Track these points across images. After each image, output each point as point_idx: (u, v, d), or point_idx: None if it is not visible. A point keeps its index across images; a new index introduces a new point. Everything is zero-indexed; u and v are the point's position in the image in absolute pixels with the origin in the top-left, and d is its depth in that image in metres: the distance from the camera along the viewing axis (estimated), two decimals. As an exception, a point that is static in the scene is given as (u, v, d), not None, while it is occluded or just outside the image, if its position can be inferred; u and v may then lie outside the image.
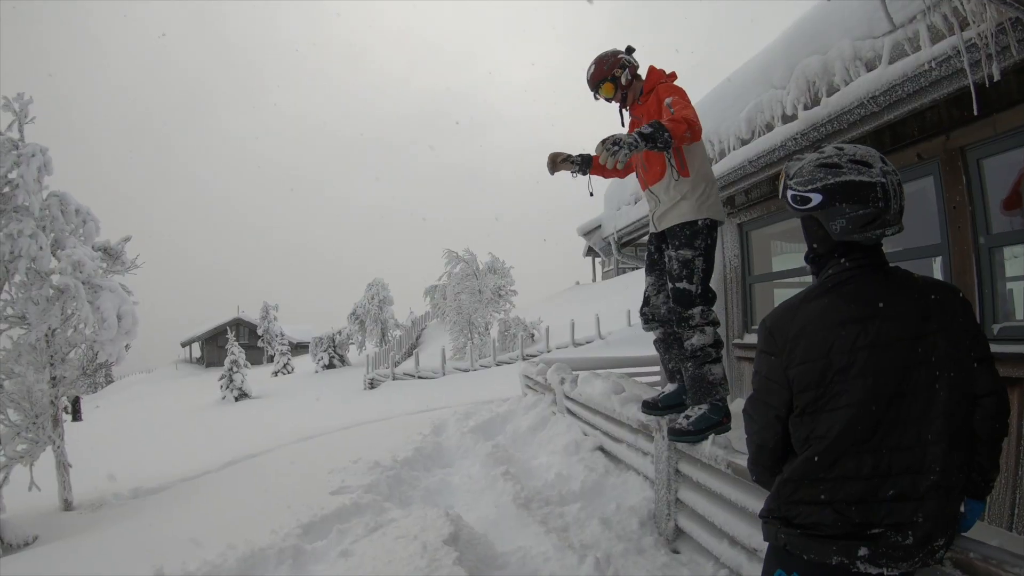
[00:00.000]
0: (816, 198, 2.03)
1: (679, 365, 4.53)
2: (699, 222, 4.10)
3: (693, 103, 4.06)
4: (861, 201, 1.98)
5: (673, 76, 4.36)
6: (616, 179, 8.68)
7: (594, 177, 4.76)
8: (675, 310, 4.19)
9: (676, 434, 4.13)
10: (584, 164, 4.68)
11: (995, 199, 4.16)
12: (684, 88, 4.22)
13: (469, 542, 4.35)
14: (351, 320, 44.73)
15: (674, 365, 4.62)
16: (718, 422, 3.99)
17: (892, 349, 1.92)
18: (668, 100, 4.01)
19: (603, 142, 3.58)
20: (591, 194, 4.87)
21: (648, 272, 4.63)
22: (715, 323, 4.14)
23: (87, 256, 13.54)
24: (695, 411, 4.07)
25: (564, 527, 4.54)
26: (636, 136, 3.61)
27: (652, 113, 4.23)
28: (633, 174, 4.71)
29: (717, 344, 4.12)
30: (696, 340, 4.10)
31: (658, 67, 4.43)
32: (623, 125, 4.68)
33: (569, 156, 4.72)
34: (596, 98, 4.60)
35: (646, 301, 4.63)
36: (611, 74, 4.45)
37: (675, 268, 4.15)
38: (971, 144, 4.19)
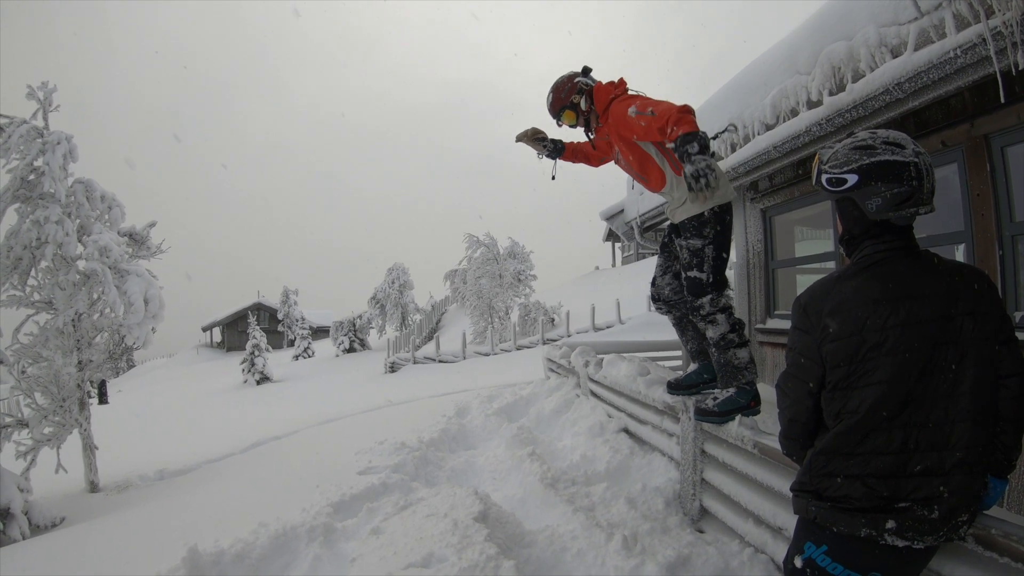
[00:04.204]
0: (852, 178, 2.10)
1: (697, 346, 4.57)
2: (706, 213, 4.03)
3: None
4: (896, 180, 2.05)
5: (622, 85, 4.34)
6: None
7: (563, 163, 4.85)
8: (687, 300, 4.20)
9: (702, 415, 4.15)
10: (555, 151, 4.71)
11: (1020, 186, 4.17)
12: (642, 90, 4.23)
13: (498, 520, 4.41)
14: (371, 304, 44.79)
15: (692, 346, 4.64)
16: (745, 405, 4.00)
17: (922, 328, 1.98)
18: (632, 109, 4.00)
19: (694, 180, 3.48)
20: (553, 178, 4.88)
21: (659, 253, 4.63)
22: (725, 309, 4.09)
23: (113, 241, 13.67)
24: (723, 394, 4.09)
25: (591, 507, 4.58)
26: (699, 156, 3.52)
27: (616, 131, 4.24)
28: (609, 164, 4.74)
29: (736, 328, 4.09)
30: (712, 332, 4.10)
31: (604, 83, 4.40)
32: (594, 148, 4.70)
33: (543, 138, 4.74)
34: (559, 125, 4.62)
35: (653, 281, 4.64)
36: (569, 101, 4.46)
37: (686, 257, 4.13)
38: (995, 132, 4.19)
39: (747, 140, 5.69)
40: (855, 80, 4.26)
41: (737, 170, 6.00)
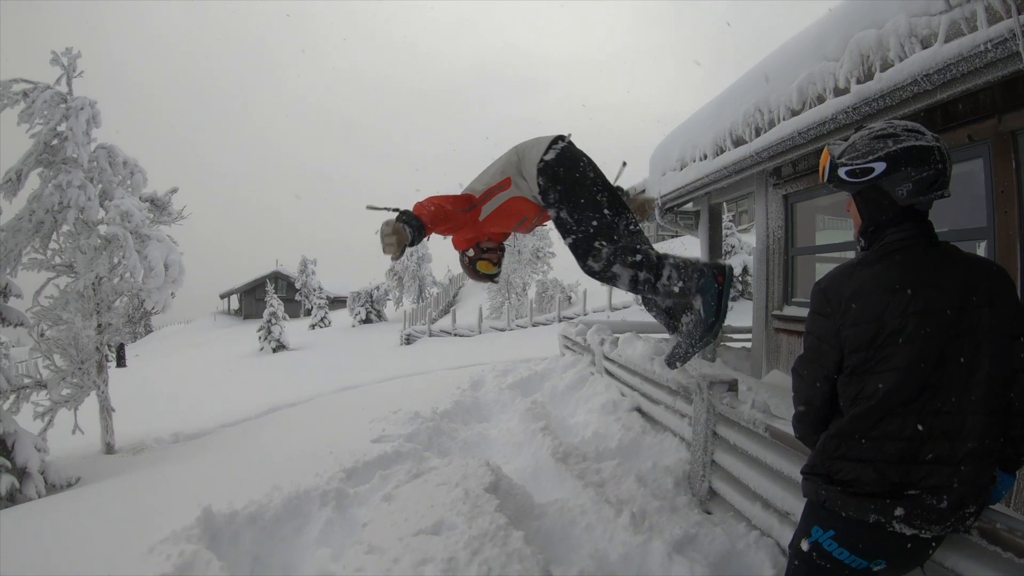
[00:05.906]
0: (880, 166, 2.11)
1: (665, 320, 4.33)
2: (540, 183, 3.88)
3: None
4: (924, 164, 2.07)
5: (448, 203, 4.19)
6: (661, 145, 8.66)
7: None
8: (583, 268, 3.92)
9: (700, 339, 3.81)
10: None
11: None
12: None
13: (508, 492, 4.47)
14: (389, 276, 44.88)
15: (662, 319, 4.39)
16: (716, 287, 3.61)
17: (939, 318, 2.00)
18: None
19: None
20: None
21: None
22: (611, 256, 3.74)
23: (135, 206, 13.83)
24: (696, 302, 3.74)
25: (601, 482, 4.64)
26: (391, 224, 3.67)
27: (492, 229, 4.28)
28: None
29: (642, 266, 3.72)
30: (622, 285, 3.82)
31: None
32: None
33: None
34: (495, 281, 4.64)
35: None
36: (469, 259, 4.43)
37: (558, 231, 3.97)
38: (1023, 128, 4.17)
39: (772, 124, 5.66)
40: (883, 69, 4.23)
41: (760, 155, 5.97)
